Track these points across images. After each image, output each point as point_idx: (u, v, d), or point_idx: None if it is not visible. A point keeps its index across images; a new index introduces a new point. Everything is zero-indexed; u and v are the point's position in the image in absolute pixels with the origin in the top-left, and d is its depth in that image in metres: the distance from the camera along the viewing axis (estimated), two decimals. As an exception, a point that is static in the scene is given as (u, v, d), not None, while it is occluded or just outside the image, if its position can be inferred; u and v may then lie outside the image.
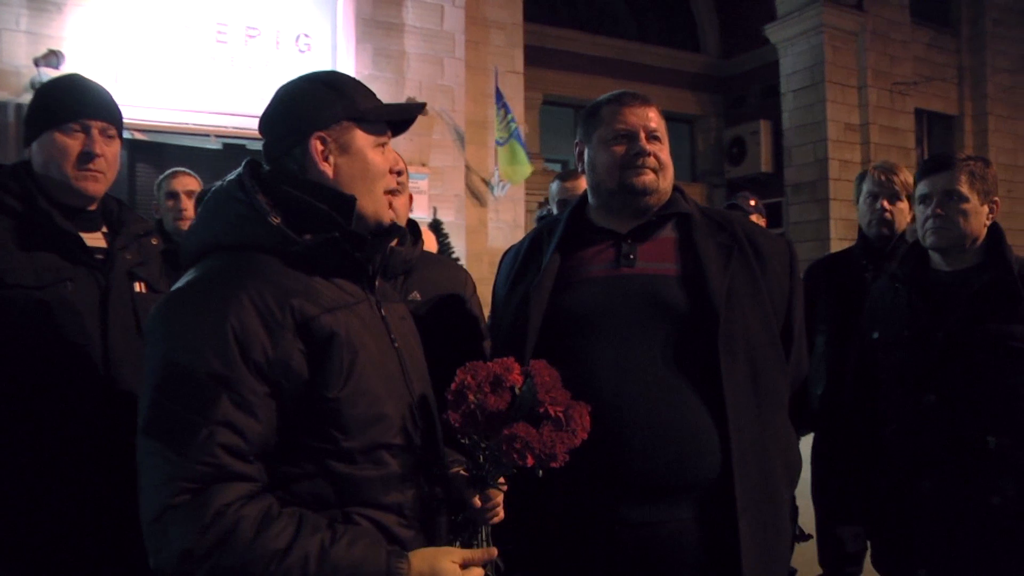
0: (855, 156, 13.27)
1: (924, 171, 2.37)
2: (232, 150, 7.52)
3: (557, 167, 15.15)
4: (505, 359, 1.60)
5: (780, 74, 13.78)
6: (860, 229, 3.41)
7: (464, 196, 9.41)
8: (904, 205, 3.30)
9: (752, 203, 4.66)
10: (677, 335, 1.89)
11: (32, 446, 1.92)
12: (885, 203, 3.25)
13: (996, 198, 2.36)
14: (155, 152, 7.29)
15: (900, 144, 13.72)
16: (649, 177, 1.96)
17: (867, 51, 13.36)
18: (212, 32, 7.74)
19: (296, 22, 8.19)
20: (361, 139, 1.55)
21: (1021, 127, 15.49)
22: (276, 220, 1.45)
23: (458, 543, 1.61)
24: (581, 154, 2.11)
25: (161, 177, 3.90)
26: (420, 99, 8.88)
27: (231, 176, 1.55)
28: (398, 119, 1.66)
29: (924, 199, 2.35)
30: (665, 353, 1.87)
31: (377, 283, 1.63)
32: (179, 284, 1.44)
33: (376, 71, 8.81)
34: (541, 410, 1.52)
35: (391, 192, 1.63)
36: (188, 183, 3.82)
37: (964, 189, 2.29)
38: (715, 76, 16.17)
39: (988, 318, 2.23)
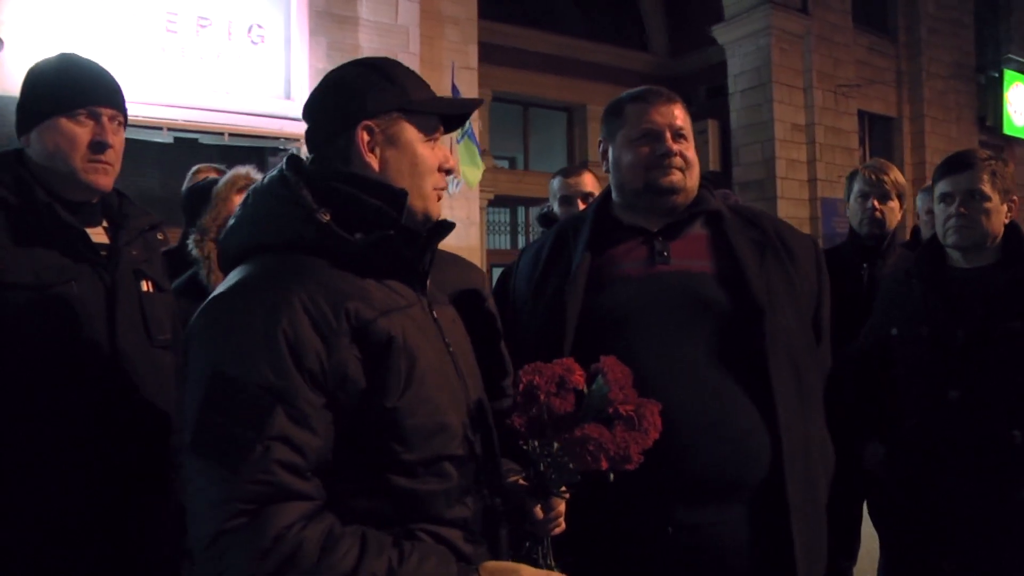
0: (801, 155, 13.54)
1: (945, 170, 2.38)
2: (184, 144, 7.27)
3: (506, 164, 15.14)
4: (565, 360, 1.52)
5: (728, 74, 13.99)
6: (851, 227, 3.43)
7: (418, 193, 9.30)
8: (895, 204, 3.32)
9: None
10: (719, 333, 1.86)
11: (38, 454, 1.79)
12: (876, 203, 3.28)
13: (1015, 197, 2.37)
14: (102, 145, 7.01)
15: (844, 144, 14.05)
16: (676, 176, 1.92)
17: (812, 53, 13.65)
18: (162, 21, 7.45)
19: (248, 13, 7.95)
20: (410, 132, 1.45)
21: (953, 129, 16.04)
22: (326, 218, 1.34)
23: (517, 558, 1.53)
24: (605, 153, 2.05)
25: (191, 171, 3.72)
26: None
27: (272, 172, 1.44)
28: (452, 113, 1.56)
29: (945, 198, 2.36)
30: (709, 352, 1.84)
31: (428, 284, 1.53)
32: (222, 288, 1.33)
33: (330, 64, 8.58)
34: (611, 410, 1.45)
35: (440, 190, 1.53)
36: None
37: (986, 188, 2.30)
38: (662, 75, 16.28)
39: (1008, 315, 2.25)
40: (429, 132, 1.48)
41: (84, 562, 1.84)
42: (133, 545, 1.90)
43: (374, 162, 1.42)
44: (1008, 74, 17.51)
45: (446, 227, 1.55)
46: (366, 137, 1.41)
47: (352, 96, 1.42)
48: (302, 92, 8.24)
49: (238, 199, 2.43)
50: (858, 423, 2.61)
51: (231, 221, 1.46)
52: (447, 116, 1.55)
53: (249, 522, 1.15)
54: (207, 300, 1.32)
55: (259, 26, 7.96)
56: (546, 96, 15.01)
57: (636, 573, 1.81)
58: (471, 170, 9.62)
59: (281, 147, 8.09)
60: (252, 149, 8.00)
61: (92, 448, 1.84)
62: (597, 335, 1.88)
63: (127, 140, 2.07)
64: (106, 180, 1.94)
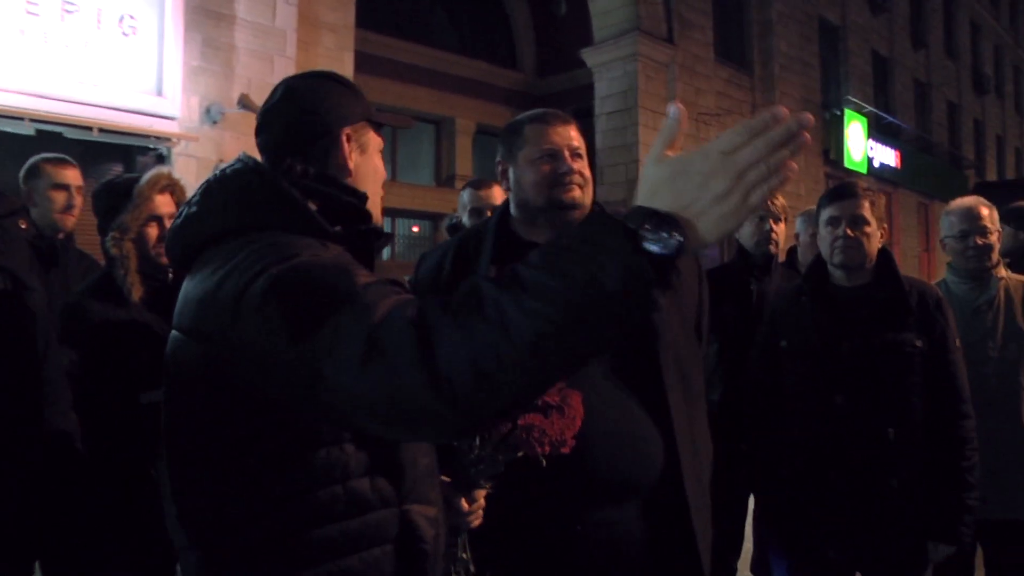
0: (663, 179, 14.08)
1: (833, 197, 2.61)
2: (47, 137, 6.86)
3: (375, 173, 15.07)
4: None
5: (595, 96, 14.43)
6: (740, 246, 3.64)
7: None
8: (783, 226, 3.59)
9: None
10: (618, 348, 1.97)
11: None
12: (772, 224, 3.54)
13: (885, 224, 2.64)
14: (-49, 133, 6.54)
15: (703, 170, 14.72)
16: (576, 193, 2.03)
17: (676, 81, 14.31)
18: (21, 2, 7.00)
19: (119, 1, 7.62)
20: (374, 140, 1.53)
21: (801, 161, 16.84)
22: (314, 206, 1.36)
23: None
24: (505, 172, 2.13)
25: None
26: (251, 95, 8.60)
27: (232, 166, 1.42)
28: (389, 126, 1.62)
29: (833, 221, 2.58)
30: (613, 364, 1.96)
31: None
32: (232, 263, 1.23)
33: (204, 63, 8.39)
34: (540, 402, 1.55)
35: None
36: (77, 176, 3.38)
37: (867, 214, 2.55)
38: (530, 93, 16.69)
39: (885, 328, 2.51)
40: (381, 141, 1.56)
41: None
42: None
43: (351, 166, 1.46)
44: (848, 113, 18.91)
45: (387, 235, 1.61)
46: (347, 143, 1.46)
47: (333, 105, 1.47)
48: (174, 89, 7.97)
49: (161, 199, 2.39)
50: (753, 428, 2.81)
51: (185, 213, 1.41)
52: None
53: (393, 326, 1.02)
54: (225, 277, 1.21)
55: (131, 16, 7.63)
56: (416, 108, 15.07)
57: (552, 568, 1.91)
58: None
59: (151, 146, 7.79)
60: (120, 147, 7.68)
61: None
62: None
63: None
64: None
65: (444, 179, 16.05)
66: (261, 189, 1.36)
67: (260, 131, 1.48)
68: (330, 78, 1.53)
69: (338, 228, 1.38)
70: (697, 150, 0.98)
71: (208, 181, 1.44)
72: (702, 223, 0.97)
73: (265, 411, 1.20)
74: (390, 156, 15.19)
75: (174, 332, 1.32)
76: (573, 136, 2.05)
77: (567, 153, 2.02)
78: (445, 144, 16.26)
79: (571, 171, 2.01)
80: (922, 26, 24.11)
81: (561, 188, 2.01)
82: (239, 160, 1.43)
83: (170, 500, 1.34)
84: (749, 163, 0.95)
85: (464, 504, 1.64)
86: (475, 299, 0.98)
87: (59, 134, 6.97)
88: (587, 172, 2.07)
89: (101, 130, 7.15)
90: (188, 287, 1.31)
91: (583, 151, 2.07)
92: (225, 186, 1.40)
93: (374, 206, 1.51)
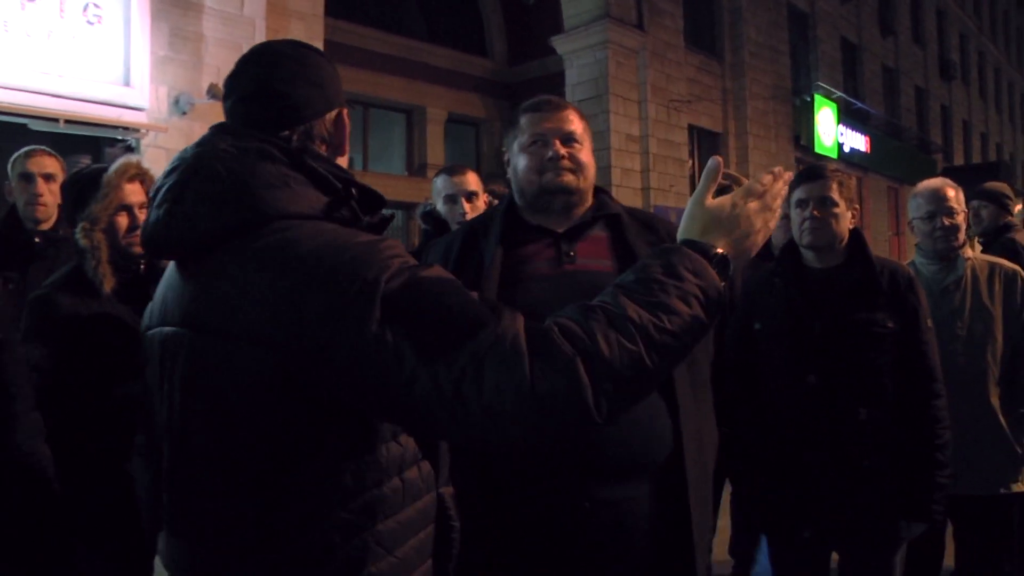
0: (635, 165, 14.18)
1: (801, 179, 2.64)
2: (11, 129, 6.74)
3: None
4: None
5: (566, 84, 14.44)
6: None
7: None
8: None
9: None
10: None
11: None
12: None
13: (856, 206, 2.67)
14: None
15: (675, 156, 14.84)
16: (567, 177, 2.06)
17: (647, 68, 14.36)
18: (-24, -11, 6.87)
19: (83, -11, 7.52)
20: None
21: (773, 146, 17.29)
22: (356, 192, 1.27)
23: None
24: (508, 162, 2.17)
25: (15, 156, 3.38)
26: (220, 85, 8.50)
27: (227, 142, 1.23)
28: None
29: (801, 203, 2.61)
30: None
31: None
32: (289, 248, 1.13)
33: (172, 52, 8.30)
34: None
35: None
36: (47, 164, 3.31)
37: (835, 196, 2.58)
38: (501, 81, 16.63)
39: (856, 309, 2.54)
40: None
41: None
42: None
43: (347, 146, 1.40)
44: (818, 99, 19.08)
45: None
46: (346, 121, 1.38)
47: (333, 78, 1.37)
48: (142, 79, 7.87)
49: (130, 188, 2.34)
50: (729, 410, 2.83)
51: (190, 197, 1.21)
52: None
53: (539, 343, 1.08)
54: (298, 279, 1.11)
55: (96, 5, 7.52)
56: (387, 97, 15.00)
57: (557, 546, 1.92)
58: None
59: (119, 137, 7.69)
60: (87, 139, 7.57)
61: None
62: None
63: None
64: None
65: (416, 168, 15.96)
66: (290, 170, 1.23)
67: (249, 100, 1.31)
68: (317, 51, 1.40)
69: (367, 217, 1.31)
70: (735, 196, 1.29)
71: (202, 158, 1.24)
72: (742, 252, 1.27)
73: (335, 416, 1.16)
74: (361, 145, 15.10)
75: (188, 332, 1.20)
76: (567, 121, 2.08)
77: (556, 139, 2.05)
78: (416, 133, 16.18)
79: (558, 156, 2.04)
80: (890, 13, 24.34)
81: (551, 173, 2.04)
82: (228, 133, 1.26)
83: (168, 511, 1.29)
84: (769, 206, 1.28)
85: None
86: (615, 322, 1.12)
87: (23, 126, 6.85)
88: (582, 156, 2.09)
89: (68, 121, 7.05)
90: (221, 283, 1.17)
91: (580, 135, 2.10)
92: (235, 166, 1.21)
93: None
